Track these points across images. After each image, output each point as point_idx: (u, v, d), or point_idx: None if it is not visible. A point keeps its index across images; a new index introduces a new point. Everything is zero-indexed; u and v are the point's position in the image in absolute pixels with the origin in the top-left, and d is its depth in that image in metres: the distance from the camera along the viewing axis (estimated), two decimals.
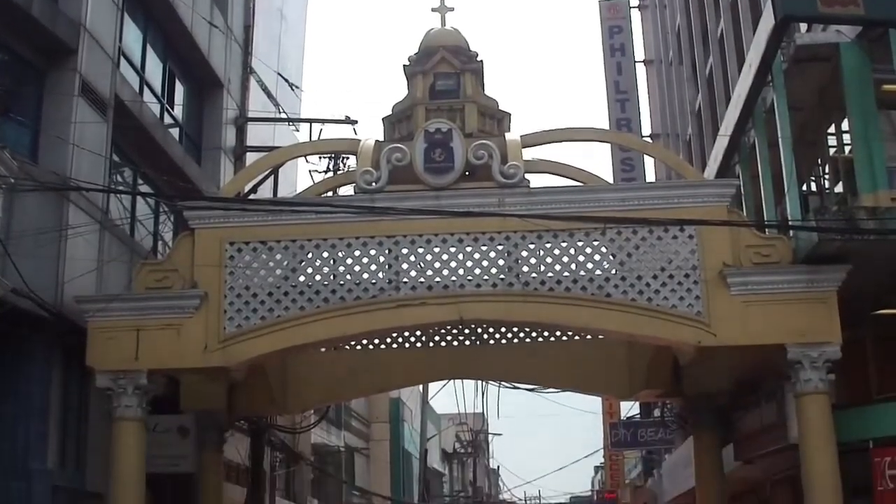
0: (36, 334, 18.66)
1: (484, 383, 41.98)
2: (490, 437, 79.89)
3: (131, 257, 21.95)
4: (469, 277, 18.85)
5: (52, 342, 19.21)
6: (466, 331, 23.48)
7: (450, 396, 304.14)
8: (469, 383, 54.21)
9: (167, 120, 26.74)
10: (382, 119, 20.64)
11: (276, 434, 31.51)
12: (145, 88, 25.24)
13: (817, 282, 18.07)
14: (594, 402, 53.96)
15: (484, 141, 19.34)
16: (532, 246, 18.91)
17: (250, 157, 29.63)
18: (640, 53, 47.21)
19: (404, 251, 19.00)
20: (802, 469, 18.12)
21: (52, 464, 19.39)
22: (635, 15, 47.89)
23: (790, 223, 19.30)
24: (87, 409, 20.90)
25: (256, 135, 31.33)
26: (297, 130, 36.97)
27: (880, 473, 18.41)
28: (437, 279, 18.86)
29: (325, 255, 19.10)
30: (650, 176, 37.56)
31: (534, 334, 23.93)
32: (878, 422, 19.03)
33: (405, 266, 19.00)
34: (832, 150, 21.71)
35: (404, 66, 20.55)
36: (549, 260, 18.86)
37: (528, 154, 19.89)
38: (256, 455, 29.11)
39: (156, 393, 19.18)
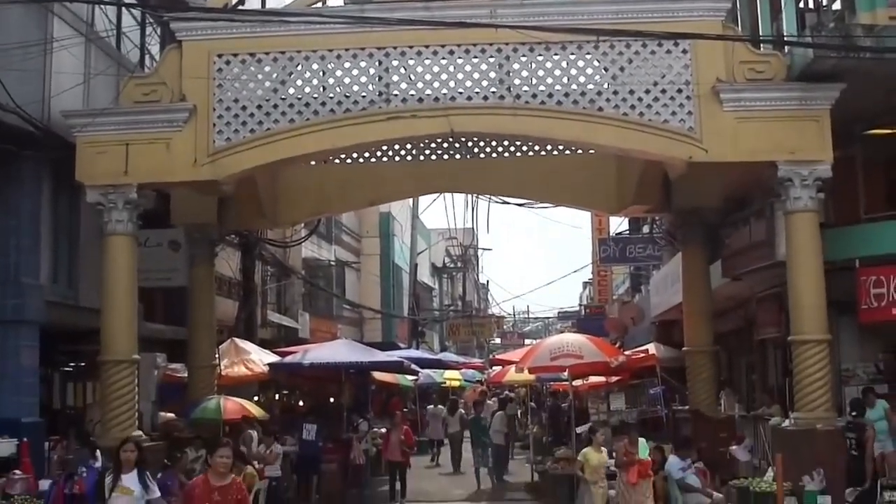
0: (24, 151, 18.53)
1: (474, 198, 42.00)
2: (480, 252, 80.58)
3: (118, 71, 21.61)
4: (460, 90, 18.66)
5: (41, 158, 19.10)
6: (457, 144, 23.44)
7: (440, 212, 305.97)
8: (459, 198, 54.37)
9: None
10: None
11: (266, 248, 31.73)
12: None
13: (810, 100, 17.92)
14: (584, 219, 54.06)
15: None
16: (524, 58, 18.67)
17: None
18: None
19: (394, 63, 18.76)
20: (789, 286, 18.31)
21: (44, 279, 19.54)
22: None
23: (785, 39, 19.05)
24: (79, 225, 20.96)
25: None
26: None
27: (865, 292, 18.63)
28: (428, 92, 18.67)
29: (315, 67, 18.87)
30: None
31: (524, 148, 23.89)
32: (865, 241, 19.16)
33: (395, 78, 18.78)
34: None
35: None
36: (540, 73, 18.65)
37: None
38: (247, 269, 29.36)
39: (146, 207, 19.20)
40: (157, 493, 12.22)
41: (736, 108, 18.06)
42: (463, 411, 34.48)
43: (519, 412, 36.67)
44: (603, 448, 17.87)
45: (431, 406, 37.56)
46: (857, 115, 18.85)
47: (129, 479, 11.77)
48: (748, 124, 18.06)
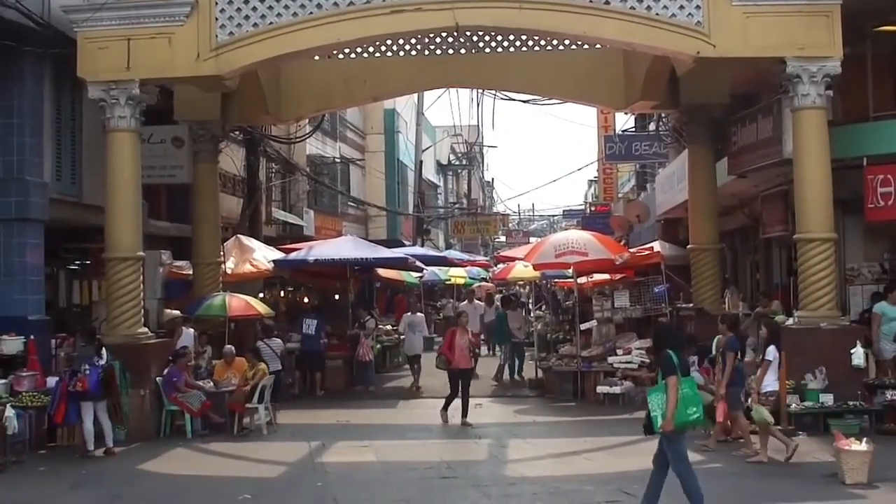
0: (25, 47, 18.33)
1: (479, 94, 41.62)
2: (485, 149, 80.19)
3: None
4: None
5: (42, 55, 18.91)
6: (462, 39, 23.13)
7: (445, 109, 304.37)
8: (464, 95, 53.82)
9: None
10: None
11: (271, 145, 31.54)
12: None
13: None
14: (589, 116, 53.59)
15: None
16: None
17: None
18: None
19: None
20: (795, 184, 18.24)
21: (48, 177, 19.48)
22: None
23: None
24: (81, 121, 20.84)
25: None
26: None
27: (872, 191, 18.53)
28: None
29: None
30: None
31: (530, 43, 23.62)
32: (873, 139, 19.02)
33: None
34: None
35: None
36: None
37: None
38: (251, 166, 29.26)
39: (149, 103, 19.05)
40: None
41: (745, 2, 17.78)
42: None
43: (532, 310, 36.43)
44: None
45: (409, 313, 28.49)
46: (867, 10, 18.57)
47: None
48: (757, 19, 17.80)
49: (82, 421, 16.28)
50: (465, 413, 19.50)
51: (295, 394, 23.70)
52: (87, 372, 16.15)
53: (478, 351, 22.71)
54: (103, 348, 16.74)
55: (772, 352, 15.72)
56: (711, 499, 11.26)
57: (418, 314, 28.49)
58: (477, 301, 32.14)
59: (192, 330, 20.95)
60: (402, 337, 28.30)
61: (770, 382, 15.61)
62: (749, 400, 15.65)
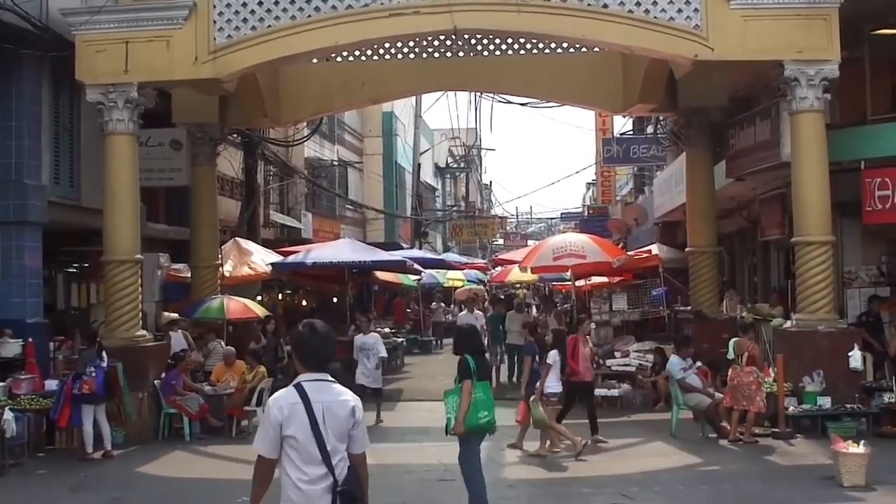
0: (23, 50, 18.34)
1: (477, 98, 41.70)
2: (483, 152, 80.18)
3: None
4: None
5: (40, 58, 18.92)
6: (460, 42, 23.13)
7: (443, 112, 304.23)
8: (462, 99, 53.84)
9: None
10: None
11: (269, 148, 31.56)
12: None
13: None
14: (588, 119, 53.56)
15: None
16: None
17: None
18: None
19: None
20: (793, 187, 18.24)
21: (46, 179, 19.50)
22: None
23: None
24: (79, 124, 20.86)
25: None
26: None
27: (870, 194, 18.54)
28: None
29: None
30: None
31: (528, 46, 23.59)
32: (871, 142, 19.01)
33: None
34: None
35: None
36: None
37: None
38: (250, 169, 29.26)
39: (147, 106, 19.02)
40: None
41: (743, 5, 17.77)
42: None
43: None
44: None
45: (359, 335, 21.63)
46: (865, 13, 18.57)
47: None
48: (755, 22, 17.78)
49: (82, 424, 16.28)
50: (594, 429, 17.11)
51: None
52: (94, 374, 16.13)
53: (601, 361, 21.51)
54: (104, 351, 16.73)
55: (553, 356, 16.35)
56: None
57: (372, 334, 21.89)
58: (478, 311, 31.76)
59: (180, 332, 20.91)
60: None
61: (552, 384, 16.18)
62: (532, 399, 16.21)
